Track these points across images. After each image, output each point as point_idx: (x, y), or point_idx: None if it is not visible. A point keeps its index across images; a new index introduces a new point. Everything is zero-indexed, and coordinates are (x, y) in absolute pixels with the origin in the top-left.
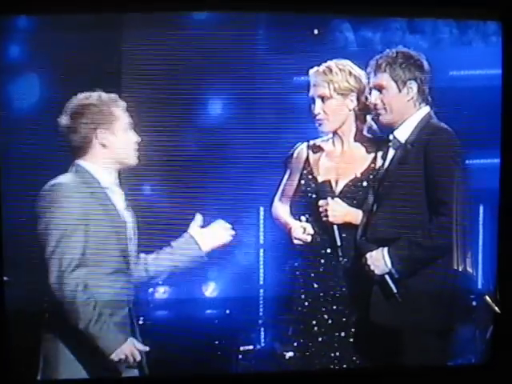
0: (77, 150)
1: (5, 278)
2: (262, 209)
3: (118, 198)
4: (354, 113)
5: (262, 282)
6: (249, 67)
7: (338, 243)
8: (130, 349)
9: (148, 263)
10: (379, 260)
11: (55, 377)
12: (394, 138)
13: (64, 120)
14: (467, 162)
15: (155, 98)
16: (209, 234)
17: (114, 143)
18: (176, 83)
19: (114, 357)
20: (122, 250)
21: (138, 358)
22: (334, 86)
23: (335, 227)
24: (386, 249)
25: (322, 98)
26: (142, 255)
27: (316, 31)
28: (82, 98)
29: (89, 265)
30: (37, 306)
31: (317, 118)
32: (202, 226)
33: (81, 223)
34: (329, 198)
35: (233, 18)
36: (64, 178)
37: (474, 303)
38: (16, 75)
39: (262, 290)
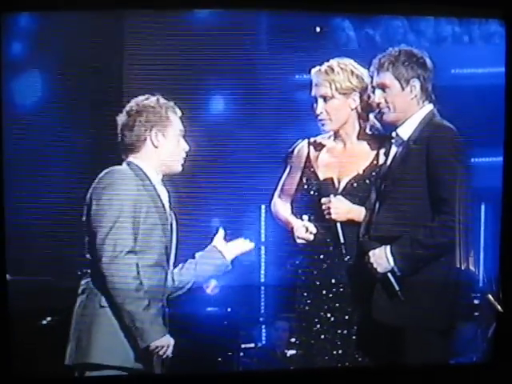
0: (129, 148)
1: (7, 277)
2: (263, 206)
3: (165, 198)
4: (357, 112)
5: (263, 280)
6: (251, 65)
7: (342, 240)
8: (168, 342)
9: (173, 273)
10: (382, 258)
11: (85, 361)
12: (397, 135)
13: (121, 117)
14: (470, 160)
15: (156, 95)
16: (231, 245)
17: (165, 146)
18: (177, 81)
19: (152, 347)
20: (165, 245)
21: (170, 353)
22: (336, 85)
23: (338, 225)
24: (388, 247)
25: (324, 98)
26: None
27: (318, 29)
28: (141, 98)
29: (138, 252)
30: (40, 303)
31: (319, 117)
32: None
33: (134, 210)
34: (331, 196)
35: (235, 16)
36: (119, 167)
37: (476, 301)
38: (19, 72)
39: (263, 288)
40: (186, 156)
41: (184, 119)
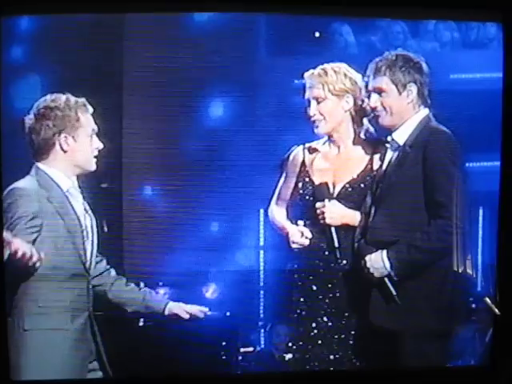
0: (38, 152)
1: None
2: (261, 211)
3: (77, 202)
4: (350, 115)
5: (262, 284)
6: (249, 69)
7: (336, 245)
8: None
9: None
10: (378, 263)
11: (20, 378)
12: (393, 140)
13: (28, 120)
14: (468, 164)
15: (155, 101)
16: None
17: (76, 149)
18: (175, 85)
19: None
20: (79, 253)
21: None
22: (329, 87)
23: (333, 229)
24: (384, 251)
25: (317, 100)
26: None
27: (317, 34)
28: (48, 100)
29: (50, 269)
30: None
31: (312, 119)
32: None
33: (38, 228)
34: (326, 200)
35: (234, 21)
36: (22, 183)
37: (473, 305)
38: (18, 77)
39: (262, 292)
40: (99, 153)
41: (98, 117)
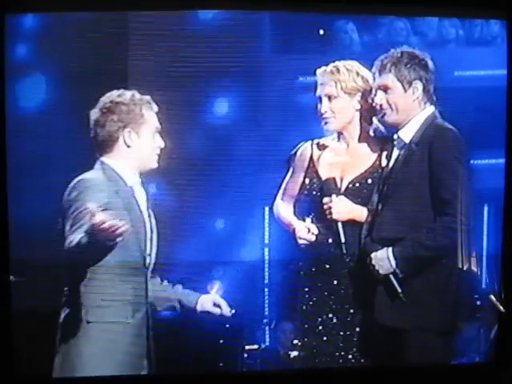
0: (102, 146)
1: (11, 278)
2: (267, 208)
3: (142, 199)
4: (360, 113)
5: (267, 281)
6: (254, 67)
7: (343, 240)
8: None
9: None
10: (384, 260)
11: (74, 375)
12: (399, 137)
13: (94, 113)
14: (472, 161)
15: (160, 98)
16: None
17: (139, 145)
18: (181, 82)
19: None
20: (141, 249)
21: None
22: (342, 85)
23: (339, 224)
24: (390, 249)
25: (329, 97)
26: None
27: (322, 31)
28: (115, 94)
29: (114, 259)
30: (42, 305)
31: (323, 116)
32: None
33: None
34: (333, 196)
35: (238, 18)
36: (90, 174)
37: (478, 302)
38: (23, 75)
39: (267, 289)
40: (161, 152)
41: (161, 115)
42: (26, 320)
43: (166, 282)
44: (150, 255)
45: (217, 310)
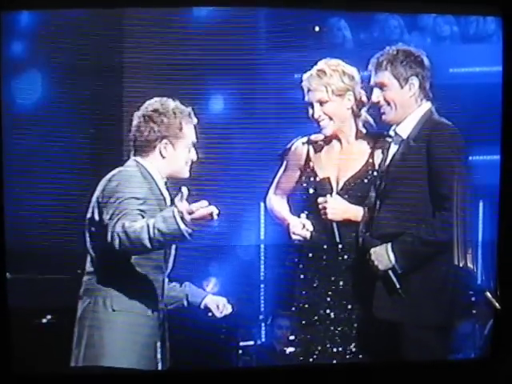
0: (138, 150)
1: (7, 275)
2: (262, 204)
3: (168, 202)
4: (352, 111)
5: (262, 278)
6: (250, 64)
7: (338, 240)
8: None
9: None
10: (383, 256)
11: (97, 363)
12: (396, 134)
13: (136, 118)
14: (469, 157)
15: (156, 93)
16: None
17: (174, 158)
18: (176, 79)
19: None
20: (165, 250)
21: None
22: (332, 88)
23: (334, 224)
24: (389, 244)
25: (321, 102)
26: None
27: (317, 28)
28: (158, 103)
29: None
30: (40, 301)
31: (319, 120)
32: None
33: (144, 213)
34: (328, 196)
35: (234, 15)
36: (127, 168)
37: (473, 299)
38: (19, 72)
39: (262, 286)
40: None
41: (201, 129)
42: (24, 316)
43: (174, 282)
44: (170, 256)
45: (218, 313)
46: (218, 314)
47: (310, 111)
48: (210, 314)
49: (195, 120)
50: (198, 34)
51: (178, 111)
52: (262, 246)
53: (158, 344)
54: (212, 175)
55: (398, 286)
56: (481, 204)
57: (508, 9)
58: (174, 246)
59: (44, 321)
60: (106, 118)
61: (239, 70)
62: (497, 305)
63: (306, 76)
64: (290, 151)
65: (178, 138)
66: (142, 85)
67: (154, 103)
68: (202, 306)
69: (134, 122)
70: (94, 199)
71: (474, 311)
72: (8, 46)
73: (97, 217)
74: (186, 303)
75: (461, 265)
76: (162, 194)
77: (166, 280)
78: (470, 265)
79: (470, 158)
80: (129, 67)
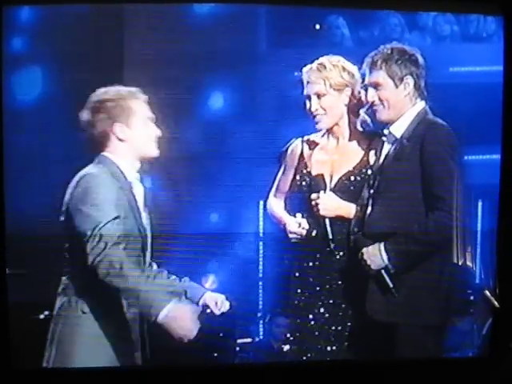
0: (98, 145)
1: (7, 271)
2: (261, 202)
3: (140, 195)
4: (349, 108)
5: (261, 275)
6: (250, 61)
7: (330, 236)
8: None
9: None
10: (375, 255)
11: (67, 365)
12: (390, 133)
13: (83, 115)
14: (469, 157)
15: (155, 91)
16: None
17: (131, 137)
18: (175, 77)
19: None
20: (142, 246)
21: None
22: (330, 82)
23: (327, 221)
24: (382, 244)
25: (318, 95)
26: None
27: (318, 26)
28: (100, 92)
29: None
30: (40, 297)
31: (315, 114)
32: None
33: (115, 214)
34: (321, 192)
35: (234, 11)
36: (94, 169)
37: (471, 297)
38: (20, 67)
39: (261, 283)
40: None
41: (152, 104)
42: (23, 312)
43: (173, 277)
44: (148, 252)
45: (216, 310)
46: (217, 312)
47: (308, 104)
48: (208, 311)
49: (144, 97)
50: (198, 30)
51: (121, 93)
52: (261, 243)
53: (137, 344)
54: (211, 172)
55: (390, 285)
56: (480, 203)
57: (509, 7)
58: (150, 241)
59: (42, 316)
60: None
61: (239, 68)
62: (496, 303)
63: (306, 69)
64: (287, 153)
65: (130, 117)
66: (142, 81)
67: (97, 94)
68: (200, 303)
69: (84, 119)
70: (64, 201)
71: (472, 310)
72: (9, 42)
73: (70, 222)
74: (183, 297)
75: (460, 263)
76: (131, 190)
77: (161, 275)
78: (468, 263)
79: (470, 157)
80: (129, 63)
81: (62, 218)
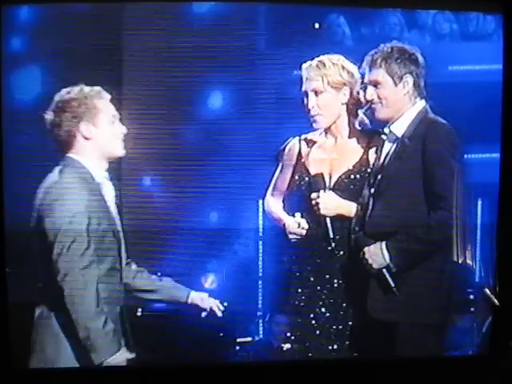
0: (64, 145)
1: (7, 269)
2: (260, 201)
3: (110, 195)
4: (347, 107)
5: (260, 274)
6: (249, 60)
7: (331, 235)
8: (122, 359)
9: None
10: (377, 254)
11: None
12: (391, 131)
13: (48, 116)
14: (468, 156)
15: (155, 90)
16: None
17: (98, 136)
18: (175, 75)
19: (105, 363)
20: (118, 248)
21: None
22: (328, 79)
23: (328, 220)
24: (384, 243)
25: (316, 92)
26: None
27: (317, 25)
28: (63, 92)
29: (93, 262)
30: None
31: (311, 112)
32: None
33: (84, 220)
34: (321, 191)
35: (234, 10)
36: (62, 177)
37: (471, 296)
38: (19, 67)
39: (260, 282)
40: (124, 139)
41: (117, 102)
42: (23, 312)
43: (154, 276)
44: (123, 253)
45: (206, 306)
46: (205, 307)
47: (305, 100)
48: (203, 312)
49: (107, 95)
50: (196, 29)
51: (85, 92)
52: (260, 242)
53: (119, 344)
54: (210, 172)
55: (392, 284)
56: (479, 202)
57: (508, 6)
58: (123, 242)
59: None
60: None
61: (238, 67)
62: (496, 302)
63: (305, 65)
64: (284, 152)
65: (95, 115)
66: (142, 81)
67: (61, 94)
68: (189, 302)
69: (48, 121)
70: (35, 205)
71: (473, 308)
72: (8, 41)
73: (42, 226)
74: (168, 298)
75: (460, 262)
76: (100, 191)
77: (141, 274)
78: (468, 262)
79: (470, 156)
80: (128, 62)
81: (33, 223)
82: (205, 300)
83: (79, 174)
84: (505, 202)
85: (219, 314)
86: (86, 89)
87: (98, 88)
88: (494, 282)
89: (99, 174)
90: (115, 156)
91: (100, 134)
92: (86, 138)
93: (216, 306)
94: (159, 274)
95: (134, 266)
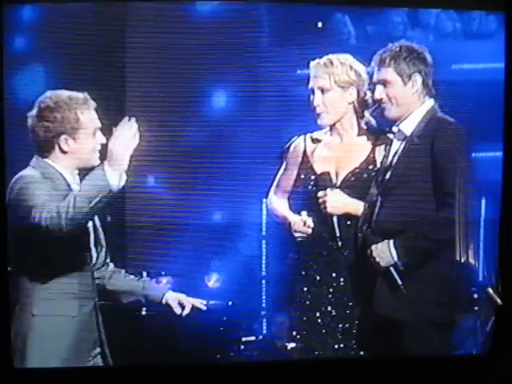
0: (39, 150)
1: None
2: (264, 200)
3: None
4: (354, 107)
5: (264, 273)
6: (252, 59)
7: (338, 234)
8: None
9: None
10: (385, 252)
11: (25, 366)
12: (399, 130)
13: (31, 117)
14: (472, 154)
15: (158, 90)
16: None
17: (76, 149)
18: (178, 75)
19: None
20: (84, 246)
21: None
22: (335, 78)
23: (335, 218)
24: (391, 241)
25: (322, 90)
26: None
27: (320, 24)
28: (49, 99)
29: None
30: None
31: (316, 110)
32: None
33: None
34: (328, 189)
35: (237, 10)
36: (28, 172)
37: (475, 295)
38: (21, 67)
39: (264, 281)
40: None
41: (102, 110)
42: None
43: (131, 276)
44: (98, 252)
45: (179, 310)
46: (179, 312)
47: (311, 97)
48: (177, 312)
49: (93, 104)
50: (200, 29)
51: (71, 102)
52: (264, 241)
53: (91, 343)
54: (213, 171)
55: (399, 282)
56: (483, 200)
57: (511, 4)
58: (103, 242)
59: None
60: (108, 114)
61: (241, 66)
62: (498, 301)
63: (313, 63)
64: (289, 151)
65: (77, 130)
66: (144, 80)
67: (45, 100)
68: (163, 302)
69: (29, 123)
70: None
71: (476, 308)
72: (10, 41)
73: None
74: (143, 300)
75: (463, 261)
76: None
77: (116, 274)
78: (471, 261)
79: (473, 154)
80: (131, 62)
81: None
82: (183, 300)
83: (46, 173)
84: (508, 201)
85: (203, 308)
86: (73, 98)
87: (84, 95)
88: (497, 281)
89: (70, 177)
90: (89, 166)
91: (78, 148)
92: (63, 151)
93: (199, 303)
94: (163, 273)
95: (111, 267)
